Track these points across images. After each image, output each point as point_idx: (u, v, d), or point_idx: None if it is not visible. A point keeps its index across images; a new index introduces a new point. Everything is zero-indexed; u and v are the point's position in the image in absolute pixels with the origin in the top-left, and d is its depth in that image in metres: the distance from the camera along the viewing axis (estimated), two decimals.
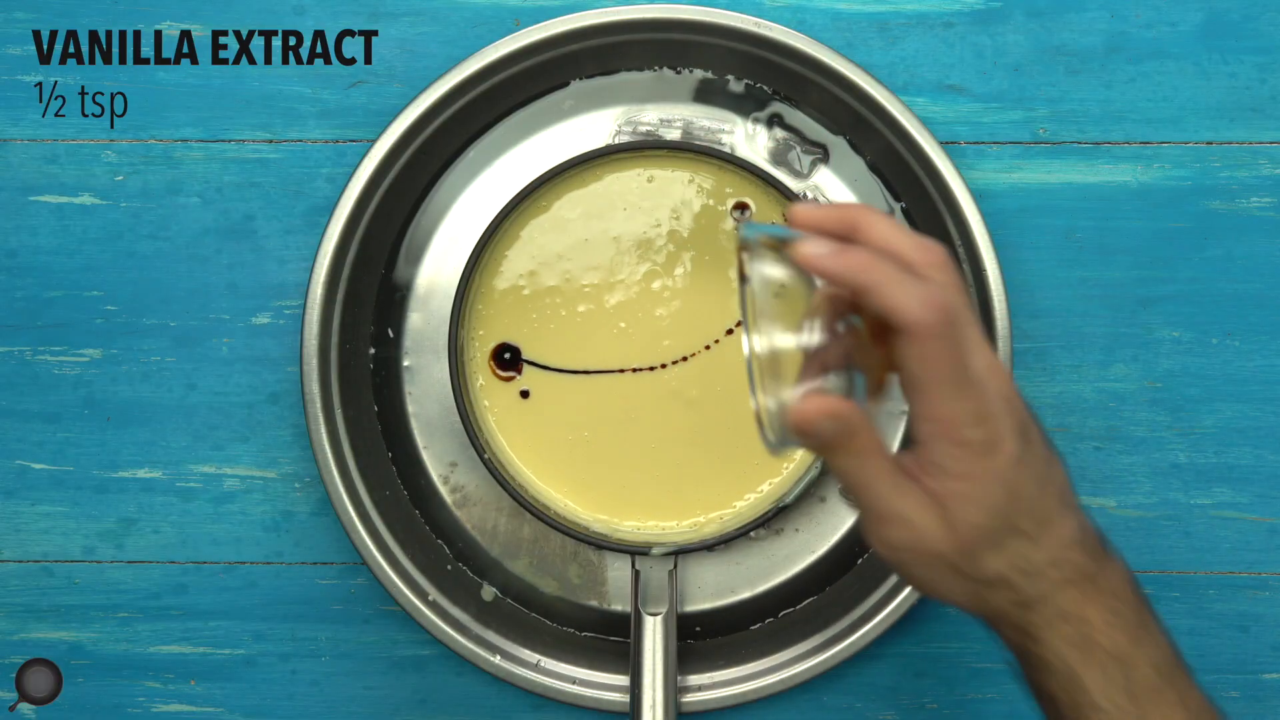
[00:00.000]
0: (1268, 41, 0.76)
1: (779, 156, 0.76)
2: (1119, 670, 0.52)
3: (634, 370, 0.74)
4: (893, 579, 0.75)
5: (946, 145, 0.74)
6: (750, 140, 0.76)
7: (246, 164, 0.77)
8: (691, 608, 0.76)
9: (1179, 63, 0.76)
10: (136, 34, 0.76)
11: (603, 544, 0.73)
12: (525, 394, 0.75)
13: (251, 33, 0.77)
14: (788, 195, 0.72)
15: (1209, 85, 0.76)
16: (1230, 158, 0.76)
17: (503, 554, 0.77)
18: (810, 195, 0.75)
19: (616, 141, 0.75)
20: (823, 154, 0.76)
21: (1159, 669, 0.52)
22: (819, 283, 0.52)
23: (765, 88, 0.76)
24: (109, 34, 0.76)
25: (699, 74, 0.76)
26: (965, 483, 0.51)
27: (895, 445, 0.76)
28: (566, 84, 0.76)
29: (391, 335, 0.76)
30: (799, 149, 0.76)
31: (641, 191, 0.74)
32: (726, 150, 0.75)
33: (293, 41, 0.77)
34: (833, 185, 0.76)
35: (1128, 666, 0.52)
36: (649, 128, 0.76)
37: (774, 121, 0.76)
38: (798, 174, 0.76)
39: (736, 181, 0.74)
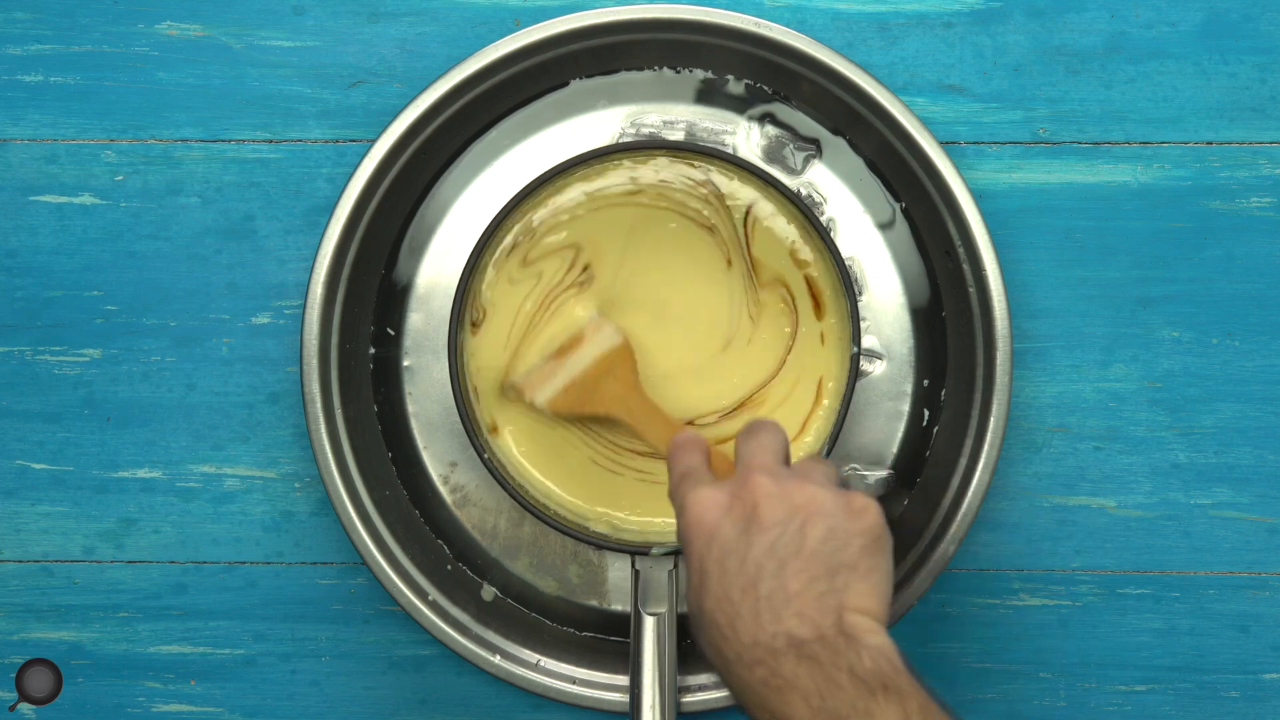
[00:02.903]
0: (1268, 41, 0.76)
1: (773, 154, 0.76)
2: None
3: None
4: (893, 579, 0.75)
5: (946, 145, 0.74)
6: (746, 139, 0.76)
7: (246, 164, 0.77)
8: None
9: (1179, 63, 0.76)
10: (137, 34, 0.76)
11: (603, 544, 0.73)
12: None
13: (251, 33, 0.77)
14: (785, 194, 0.72)
15: (1209, 85, 0.76)
16: (1230, 158, 0.76)
17: (503, 554, 0.77)
18: (805, 192, 0.75)
19: (620, 142, 0.75)
20: (816, 150, 0.76)
21: None
22: None
23: (765, 88, 0.76)
24: (109, 34, 0.76)
25: (699, 74, 0.76)
26: (686, 574, 0.61)
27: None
28: (566, 84, 0.76)
29: (391, 335, 0.76)
30: (792, 145, 0.76)
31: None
32: (728, 150, 0.75)
33: (293, 41, 0.77)
34: (827, 180, 0.76)
35: None
36: (652, 129, 0.76)
37: (766, 119, 0.76)
38: (791, 170, 0.76)
39: (736, 180, 0.74)
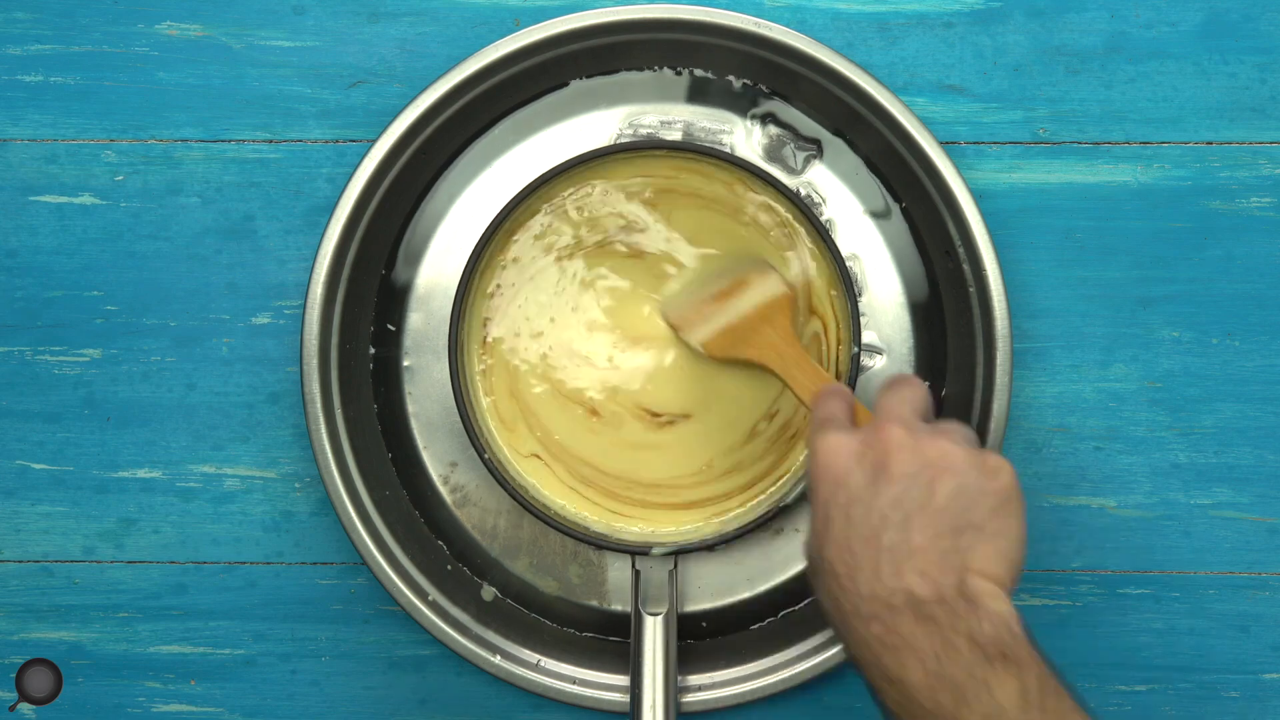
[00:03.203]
0: (1268, 41, 0.76)
1: (773, 153, 0.76)
2: None
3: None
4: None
5: (946, 145, 0.74)
6: (746, 138, 0.76)
7: (246, 164, 0.77)
8: (691, 608, 0.76)
9: (1179, 63, 0.76)
10: (137, 34, 0.76)
11: (603, 544, 0.73)
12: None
13: (251, 33, 0.77)
14: (785, 194, 0.72)
15: (1209, 85, 0.76)
16: (1230, 158, 0.76)
17: (503, 554, 0.77)
18: (804, 191, 0.75)
19: (620, 142, 0.75)
20: (816, 150, 0.76)
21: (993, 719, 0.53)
22: None
23: (765, 88, 0.76)
24: (109, 34, 0.76)
25: (699, 74, 0.76)
26: (810, 521, 0.61)
27: None
28: (566, 84, 0.76)
29: (392, 335, 0.76)
30: (792, 145, 0.76)
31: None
32: (726, 150, 0.75)
33: (293, 41, 0.77)
34: (827, 181, 0.76)
35: None
36: (649, 130, 0.76)
37: (768, 119, 0.76)
38: (791, 170, 0.76)
39: (736, 180, 0.74)
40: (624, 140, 0.76)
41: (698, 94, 0.76)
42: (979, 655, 0.54)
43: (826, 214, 0.76)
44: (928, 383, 0.63)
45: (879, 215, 0.76)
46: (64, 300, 0.77)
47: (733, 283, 0.73)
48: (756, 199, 0.74)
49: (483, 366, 0.74)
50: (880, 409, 0.62)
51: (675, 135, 0.76)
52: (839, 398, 0.64)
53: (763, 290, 0.72)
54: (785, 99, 0.76)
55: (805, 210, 0.72)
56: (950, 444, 0.59)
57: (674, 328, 0.73)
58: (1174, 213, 0.76)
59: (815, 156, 0.76)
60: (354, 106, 0.77)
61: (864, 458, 0.59)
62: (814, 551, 0.59)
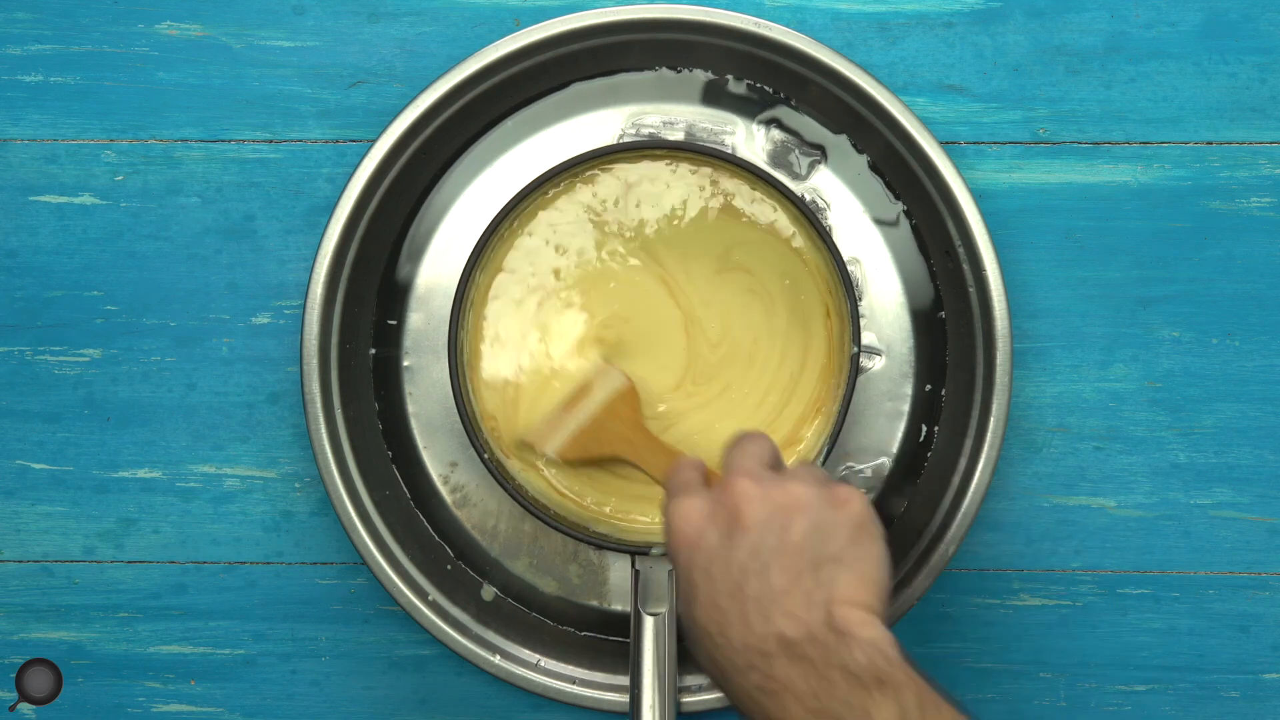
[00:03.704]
0: (1268, 41, 0.76)
1: (778, 159, 0.76)
2: None
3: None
4: (893, 579, 0.75)
5: (946, 145, 0.74)
6: (749, 141, 0.76)
7: (246, 164, 0.77)
8: None
9: (1179, 63, 0.76)
10: (137, 34, 0.76)
11: (603, 544, 0.73)
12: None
13: (251, 33, 0.77)
14: (788, 196, 0.72)
15: (1209, 85, 0.76)
16: (1230, 158, 0.76)
17: (503, 554, 0.77)
18: (809, 197, 0.75)
19: (621, 142, 0.75)
20: (821, 155, 0.76)
21: None
22: None
23: (766, 88, 0.76)
24: (109, 34, 0.76)
25: (699, 74, 0.76)
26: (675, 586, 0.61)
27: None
28: (566, 84, 0.76)
29: (391, 335, 0.76)
30: (797, 151, 0.76)
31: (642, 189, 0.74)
32: (728, 150, 0.75)
33: (293, 41, 0.77)
34: (831, 186, 0.76)
35: None
36: (651, 130, 0.76)
37: (773, 123, 0.76)
38: (796, 176, 0.76)
39: (737, 182, 0.74)
40: (627, 140, 0.76)
41: (699, 95, 0.76)
42: (855, 685, 0.54)
43: (830, 219, 0.76)
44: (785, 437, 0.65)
45: (883, 222, 0.76)
46: (64, 300, 0.77)
47: (577, 390, 0.73)
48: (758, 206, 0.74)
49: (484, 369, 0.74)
50: (726, 465, 0.63)
51: (678, 135, 0.76)
52: (690, 467, 0.65)
53: (604, 389, 0.73)
54: (789, 102, 0.76)
55: (806, 212, 0.72)
56: (799, 485, 0.59)
57: (531, 447, 0.73)
58: (1174, 213, 0.76)
59: (820, 162, 0.76)
60: (354, 106, 0.77)
61: (716, 515, 0.60)
62: (685, 615, 0.60)
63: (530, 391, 0.74)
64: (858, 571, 0.58)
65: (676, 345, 0.74)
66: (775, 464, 0.63)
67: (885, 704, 0.54)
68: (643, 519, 0.74)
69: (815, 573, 0.57)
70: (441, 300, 0.76)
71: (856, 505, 0.59)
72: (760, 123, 0.76)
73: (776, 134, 0.76)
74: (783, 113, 0.76)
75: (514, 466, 0.74)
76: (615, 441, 0.72)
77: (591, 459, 0.73)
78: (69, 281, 0.77)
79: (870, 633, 0.56)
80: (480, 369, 0.74)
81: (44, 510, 0.77)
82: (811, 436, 0.74)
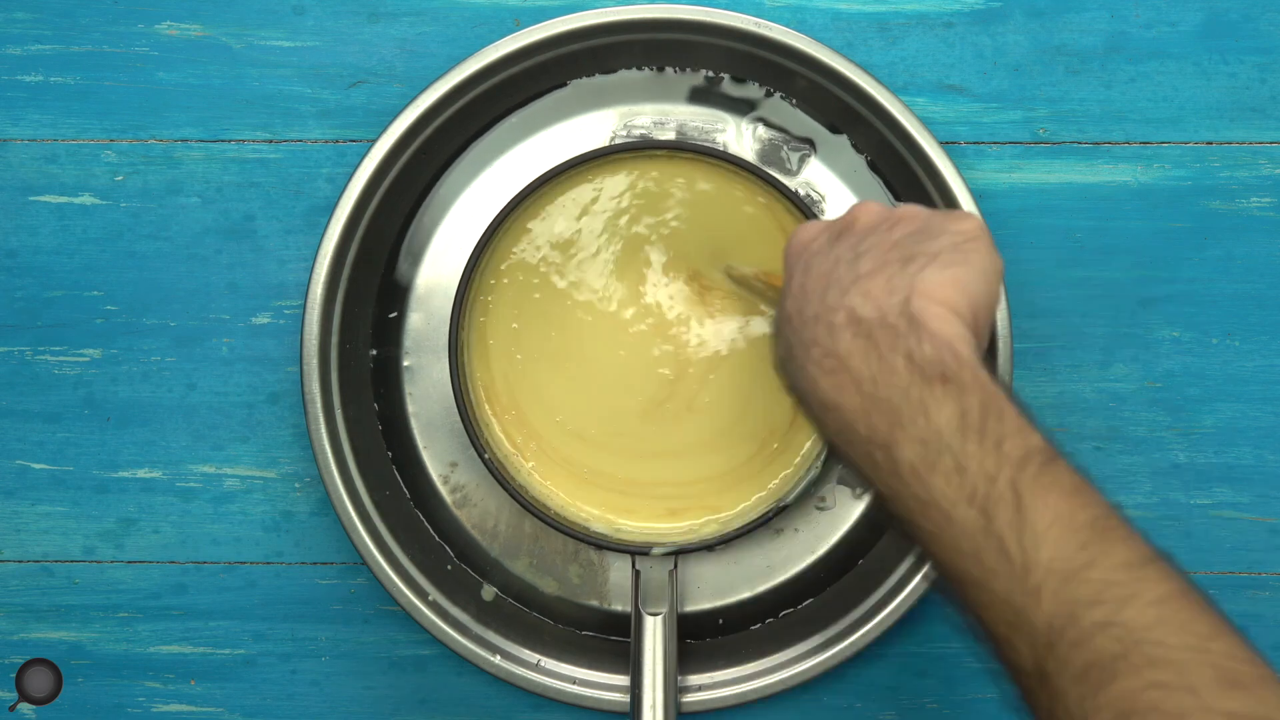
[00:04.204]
0: (1268, 41, 0.76)
1: (768, 156, 0.76)
2: (884, 456, 0.51)
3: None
4: (893, 579, 0.75)
5: (946, 145, 0.74)
6: (738, 139, 0.76)
7: (246, 164, 0.77)
8: (691, 608, 0.76)
9: (1179, 63, 0.76)
10: (137, 34, 0.76)
11: (603, 544, 0.73)
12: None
13: (251, 33, 0.77)
14: (785, 194, 0.72)
15: (1209, 85, 0.76)
16: (1230, 158, 0.76)
17: (503, 554, 0.77)
18: (804, 191, 0.75)
19: (627, 138, 0.75)
20: (810, 149, 0.76)
21: (929, 443, 0.49)
22: None
23: (765, 88, 0.76)
24: (109, 34, 0.76)
25: (699, 74, 0.76)
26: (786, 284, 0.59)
27: None
28: (566, 84, 0.76)
29: (391, 335, 0.76)
30: (786, 146, 0.76)
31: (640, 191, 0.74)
32: (719, 148, 0.75)
33: (293, 41, 0.77)
34: (824, 179, 0.76)
35: (890, 450, 0.50)
36: (643, 130, 0.76)
37: (759, 121, 0.76)
38: (787, 171, 0.76)
39: (736, 181, 0.74)
40: (617, 141, 0.76)
41: (699, 95, 0.76)
42: (917, 376, 0.51)
43: (827, 212, 0.76)
44: None
45: None
46: (64, 300, 0.77)
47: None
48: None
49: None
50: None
51: (669, 135, 0.76)
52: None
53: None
54: (785, 98, 0.75)
55: (802, 207, 0.72)
56: (920, 207, 0.58)
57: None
58: (1174, 213, 0.76)
59: (810, 155, 0.76)
60: (354, 106, 0.77)
61: (832, 227, 0.59)
62: (777, 316, 0.57)
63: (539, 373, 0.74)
64: (952, 273, 0.54)
65: (682, 326, 0.74)
66: None
67: (946, 402, 0.50)
68: (638, 522, 0.74)
69: (905, 265, 0.54)
70: (441, 300, 0.76)
71: (973, 222, 0.56)
72: (749, 120, 0.76)
73: (762, 131, 0.76)
74: (772, 108, 0.76)
75: (515, 469, 0.74)
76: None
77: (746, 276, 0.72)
78: (69, 281, 0.77)
79: (946, 329, 0.52)
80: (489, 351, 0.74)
81: (44, 510, 0.77)
82: (811, 438, 0.74)
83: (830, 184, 0.76)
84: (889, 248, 0.55)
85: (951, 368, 0.51)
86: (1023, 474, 0.49)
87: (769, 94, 0.76)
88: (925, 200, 0.74)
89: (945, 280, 0.53)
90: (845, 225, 0.59)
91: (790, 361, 0.55)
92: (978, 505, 0.49)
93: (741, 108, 0.76)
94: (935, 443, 0.49)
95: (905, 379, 0.51)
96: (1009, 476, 0.49)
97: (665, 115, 0.76)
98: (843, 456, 0.53)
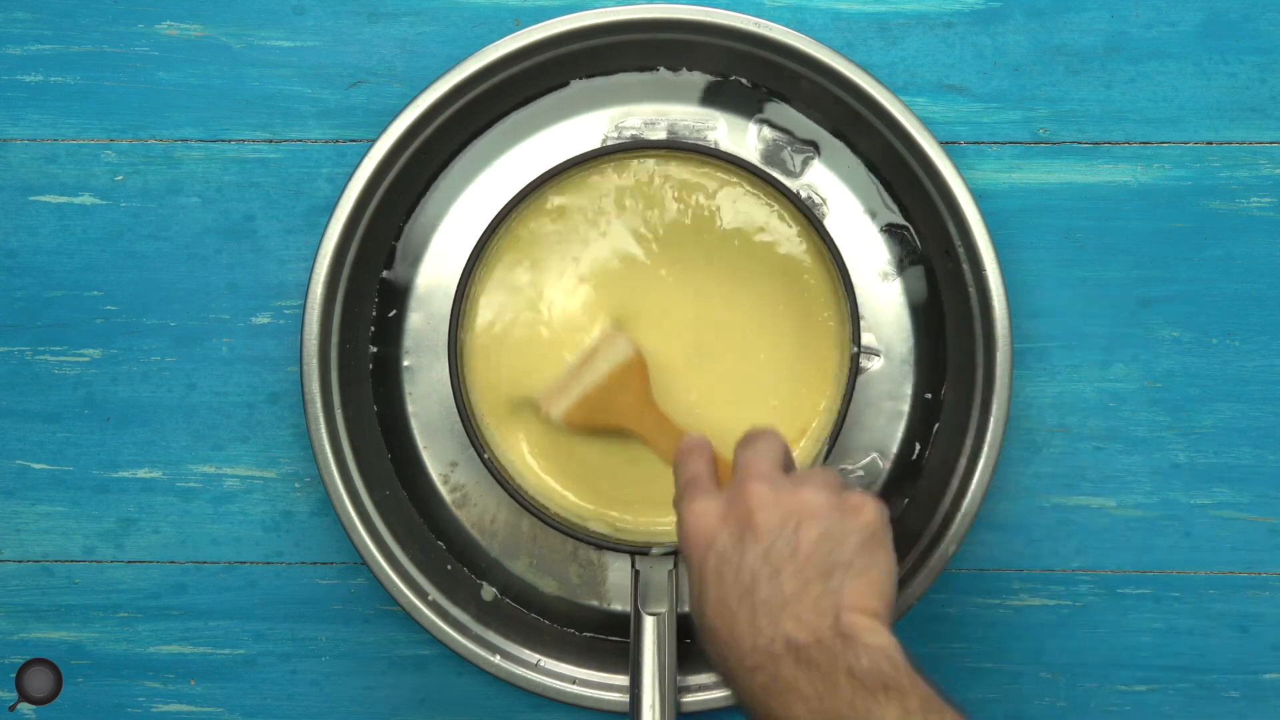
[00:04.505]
0: (1268, 41, 0.76)
1: (771, 156, 0.76)
2: None
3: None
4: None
5: (946, 145, 0.74)
6: (741, 139, 0.76)
7: (246, 164, 0.77)
8: None
9: (1179, 63, 0.76)
10: (137, 34, 0.76)
11: (603, 544, 0.73)
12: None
13: (251, 33, 0.77)
14: (785, 194, 0.72)
15: (1209, 85, 0.76)
16: (1230, 158, 0.76)
17: (503, 554, 0.77)
18: (805, 194, 0.75)
19: (619, 139, 0.75)
20: (814, 152, 0.76)
21: None
22: None
23: (766, 87, 0.76)
24: (109, 34, 0.76)
25: (699, 74, 0.76)
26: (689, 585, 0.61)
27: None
28: (566, 84, 0.76)
29: (391, 335, 0.76)
30: (790, 148, 0.76)
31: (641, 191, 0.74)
32: (727, 150, 0.74)
33: (293, 41, 0.77)
34: (826, 181, 0.76)
35: None
36: (634, 131, 0.76)
37: (765, 122, 0.76)
38: (790, 173, 0.76)
39: (735, 180, 0.74)
40: (610, 142, 0.76)
41: (698, 94, 0.76)
42: (860, 689, 0.55)
43: (829, 215, 0.76)
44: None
45: (879, 216, 0.76)
46: (64, 300, 0.77)
47: (585, 355, 0.73)
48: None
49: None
50: (739, 466, 0.63)
51: (659, 135, 0.76)
52: (699, 454, 0.66)
53: (610, 357, 0.73)
54: (784, 99, 0.75)
55: (805, 210, 0.72)
56: (812, 491, 0.60)
57: (535, 406, 0.73)
58: (1174, 213, 0.76)
59: (813, 158, 0.76)
60: (354, 106, 0.77)
61: (728, 518, 0.60)
62: (696, 615, 0.61)
63: (533, 359, 0.74)
64: (867, 579, 0.58)
65: (681, 322, 0.74)
66: (787, 464, 0.64)
67: (890, 708, 0.54)
68: (638, 522, 0.74)
69: (825, 580, 0.58)
70: (441, 300, 0.76)
71: (869, 513, 0.60)
72: (753, 121, 0.76)
73: (768, 132, 0.76)
74: (775, 110, 0.76)
75: (497, 441, 0.74)
76: (622, 413, 0.72)
77: (596, 427, 0.73)
78: (69, 281, 0.77)
79: (878, 640, 0.56)
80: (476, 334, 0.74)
81: (44, 510, 0.77)
82: (811, 439, 0.74)
83: (833, 187, 0.76)
84: (804, 561, 0.58)
85: (890, 675, 0.55)
86: None
87: (771, 95, 0.76)
88: (926, 200, 0.74)
89: (864, 590, 0.58)
90: (744, 522, 0.60)
91: (732, 680, 0.59)
92: None
93: (745, 108, 0.76)
94: None
95: (850, 694, 0.55)
96: None
97: (664, 115, 0.76)
98: None
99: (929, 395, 0.76)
